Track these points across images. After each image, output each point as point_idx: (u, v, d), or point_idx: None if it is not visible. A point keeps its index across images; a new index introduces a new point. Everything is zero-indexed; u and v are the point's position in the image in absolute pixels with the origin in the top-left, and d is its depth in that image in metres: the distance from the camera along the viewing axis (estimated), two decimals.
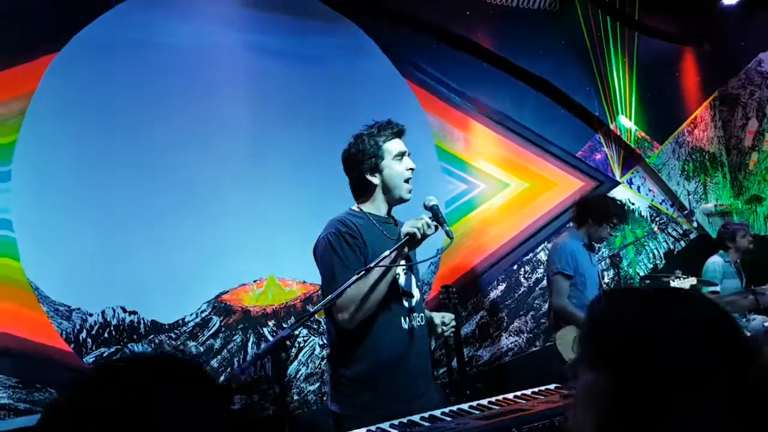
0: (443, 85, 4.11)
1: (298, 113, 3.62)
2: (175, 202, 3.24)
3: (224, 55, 3.48)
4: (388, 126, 2.12)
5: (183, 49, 3.35)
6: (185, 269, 3.21)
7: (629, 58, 4.92)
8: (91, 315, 3.02)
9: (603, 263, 4.65)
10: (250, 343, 3.35)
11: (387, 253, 1.84)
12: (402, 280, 2.06)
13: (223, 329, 3.30)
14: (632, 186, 4.97)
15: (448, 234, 1.91)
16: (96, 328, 3.03)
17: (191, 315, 3.23)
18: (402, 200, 2.10)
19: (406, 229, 1.90)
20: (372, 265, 1.83)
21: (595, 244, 3.52)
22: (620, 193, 4.88)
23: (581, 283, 3.32)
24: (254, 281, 3.41)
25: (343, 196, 3.53)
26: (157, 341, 3.14)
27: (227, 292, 3.33)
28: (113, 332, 3.06)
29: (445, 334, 2.19)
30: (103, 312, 3.05)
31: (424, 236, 1.90)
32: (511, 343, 4.25)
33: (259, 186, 3.46)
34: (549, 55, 4.49)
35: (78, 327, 2.98)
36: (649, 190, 5.08)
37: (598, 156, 4.78)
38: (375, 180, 2.09)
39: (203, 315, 3.26)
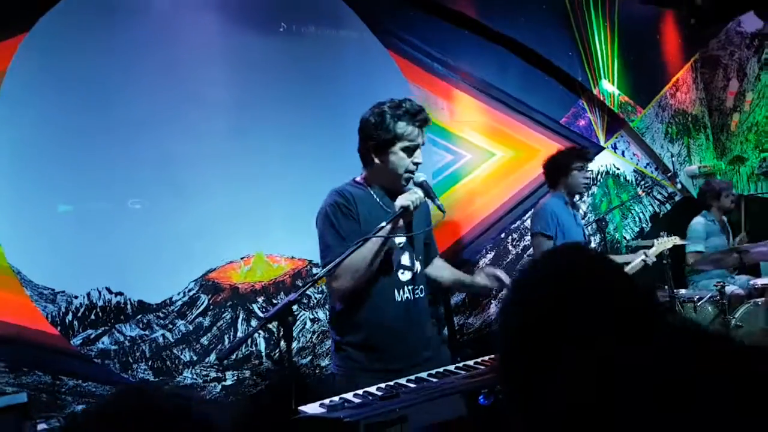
0: (426, 55, 4.07)
1: (279, 86, 3.57)
2: (158, 180, 3.19)
3: (201, 27, 3.40)
4: (414, 113, 2.06)
5: (158, 21, 3.26)
6: (171, 248, 3.18)
7: (610, 22, 4.89)
8: (76, 297, 2.98)
9: (589, 228, 4.68)
10: (239, 321, 3.34)
11: (383, 224, 1.91)
12: (398, 254, 2.10)
13: (211, 307, 3.28)
14: (617, 151, 4.99)
15: (440, 208, 2.03)
16: (82, 310, 3.01)
17: (179, 294, 3.21)
18: (398, 191, 2.08)
19: (400, 201, 1.97)
20: (370, 236, 1.90)
21: (578, 204, 3.64)
22: (605, 158, 4.90)
23: (562, 238, 3.34)
24: (242, 258, 3.39)
25: (330, 169, 3.53)
26: (145, 321, 3.13)
27: (214, 269, 3.31)
28: (100, 314, 3.03)
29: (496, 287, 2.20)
30: (88, 294, 3.02)
31: (416, 209, 1.98)
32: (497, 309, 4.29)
33: (243, 161, 3.41)
34: (531, 21, 4.45)
35: (63, 310, 2.95)
36: (634, 155, 5.10)
37: (582, 122, 4.78)
38: (377, 160, 2.10)
39: (191, 294, 3.24)
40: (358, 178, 2.19)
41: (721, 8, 5.06)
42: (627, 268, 3.48)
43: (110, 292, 3.07)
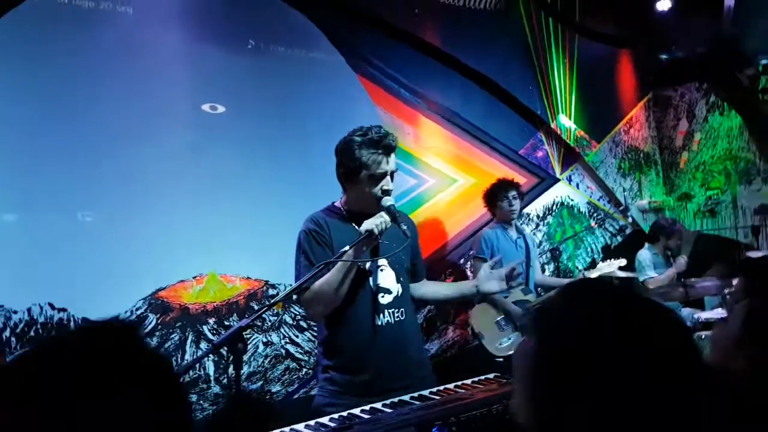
0: (393, 80, 4.12)
1: (243, 104, 3.52)
2: (109, 193, 3.08)
3: (164, 42, 3.33)
4: (377, 140, 2.05)
5: (124, 31, 3.18)
6: (119, 264, 3.06)
7: (569, 59, 5.07)
8: (15, 312, 2.83)
9: (543, 257, 4.78)
10: (188, 342, 3.23)
11: (347, 248, 1.90)
12: (378, 277, 2.11)
13: (159, 327, 3.17)
14: (571, 183, 5.13)
15: (404, 233, 2.00)
16: (21, 326, 2.86)
17: (126, 312, 3.09)
18: (371, 214, 2.06)
19: (364, 226, 1.96)
20: (331, 260, 1.91)
21: (522, 228, 3.97)
22: (560, 189, 5.03)
23: (499, 264, 3.50)
24: (194, 277, 3.30)
25: (289, 191, 3.50)
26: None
27: (165, 288, 3.21)
28: (40, 330, 2.88)
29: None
30: (29, 309, 2.88)
31: (381, 233, 1.97)
32: (457, 335, 4.30)
33: (200, 178, 3.34)
34: (494, 54, 4.57)
35: (1, 325, 2.80)
36: (588, 187, 5.26)
37: (540, 153, 4.91)
38: (347, 188, 2.13)
39: (138, 312, 3.13)
40: (336, 203, 2.20)
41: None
42: None
43: (53, 308, 2.93)
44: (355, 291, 2.05)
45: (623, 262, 4.05)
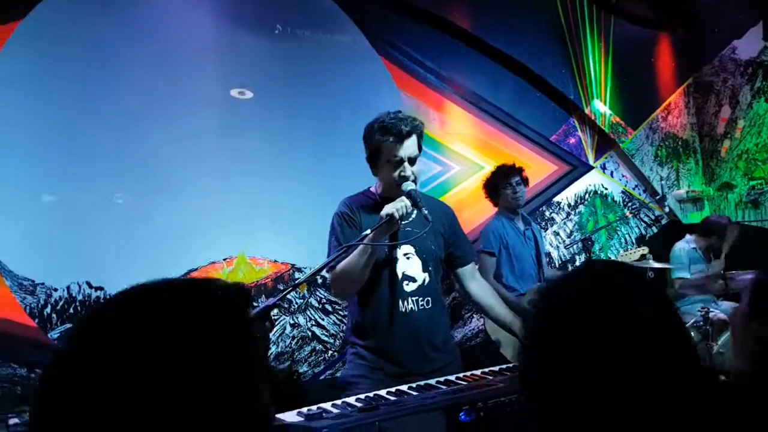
0: (419, 64, 4.09)
1: (270, 87, 3.58)
2: (144, 175, 3.20)
3: (194, 24, 3.41)
4: (389, 127, 2.06)
5: (152, 16, 3.28)
6: (154, 244, 3.18)
7: (605, 42, 4.93)
8: (55, 290, 2.98)
9: (575, 247, 4.70)
10: None
11: (368, 232, 1.95)
12: (402, 265, 2.14)
13: None
14: (605, 171, 5.01)
15: (426, 218, 2.01)
16: (61, 303, 3.00)
17: None
18: (403, 194, 2.07)
19: (385, 210, 1.98)
20: (352, 242, 1.97)
21: (528, 218, 3.65)
22: (593, 177, 4.92)
23: (508, 258, 3.44)
24: (224, 259, 3.39)
25: (318, 173, 3.55)
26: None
27: (196, 269, 3.31)
28: (79, 308, 3.02)
29: None
30: (68, 287, 3.02)
31: (403, 218, 1.99)
32: (482, 324, 4.29)
33: (231, 161, 3.42)
34: (526, 37, 4.48)
35: (42, 302, 2.94)
36: (623, 176, 5.13)
37: (572, 140, 4.81)
38: (374, 172, 2.18)
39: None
40: (372, 187, 2.25)
41: None
42: None
43: (90, 286, 3.06)
44: (380, 277, 2.11)
45: (645, 250, 3.88)
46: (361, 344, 2.16)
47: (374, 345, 2.13)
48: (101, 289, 3.07)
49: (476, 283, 2.33)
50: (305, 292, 3.60)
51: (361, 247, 1.98)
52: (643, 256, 3.91)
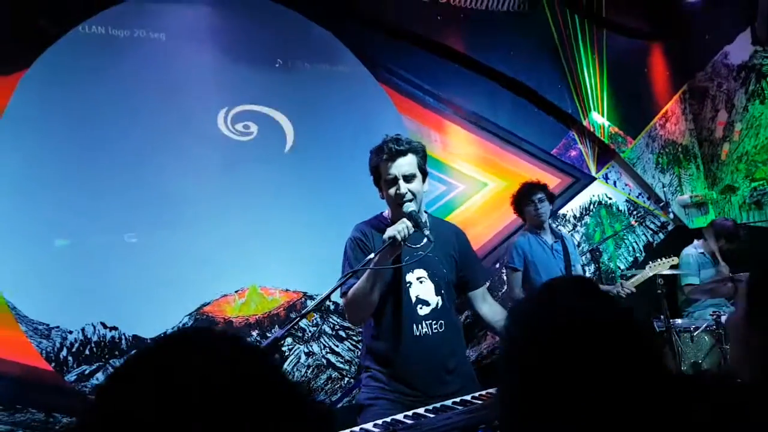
0: (418, 88, 4.16)
1: (273, 121, 3.63)
2: (153, 214, 3.23)
3: (198, 62, 3.48)
4: (380, 147, 2.13)
5: (155, 57, 3.35)
6: (166, 281, 3.19)
7: (599, 55, 5.00)
8: (70, 332, 2.98)
9: (583, 258, 4.71)
10: None
11: (371, 256, 1.95)
12: (416, 289, 2.15)
13: None
14: (608, 181, 5.04)
15: (428, 238, 2.03)
16: (76, 345, 3.00)
17: (173, 328, 3.21)
18: (405, 215, 2.09)
19: (387, 233, 1.99)
20: (357, 268, 1.98)
21: (559, 232, 3.71)
22: (597, 188, 4.95)
23: (535, 272, 3.51)
24: (236, 291, 3.40)
25: (324, 201, 3.58)
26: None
27: (209, 303, 3.32)
28: (94, 349, 3.02)
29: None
30: (83, 329, 3.02)
31: (405, 239, 1.99)
32: (497, 342, 4.27)
33: (236, 195, 3.46)
34: (520, 55, 4.55)
35: (58, 345, 2.95)
36: (626, 185, 5.16)
37: (574, 153, 4.85)
38: (380, 194, 2.21)
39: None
40: (384, 212, 2.27)
41: None
42: None
43: (105, 326, 3.07)
44: (394, 301, 2.12)
45: (675, 260, 3.89)
46: (375, 368, 2.16)
47: (388, 369, 2.13)
48: (116, 329, 3.08)
49: (488, 306, 2.31)
50: (318, 319, 3.61)
51: (368, 271, 1.99)
52: (673, 267, 3.91)
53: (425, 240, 2.09)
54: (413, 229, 2.01)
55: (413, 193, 2.10)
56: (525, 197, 3.59)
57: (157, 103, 3.31)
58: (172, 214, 3.27)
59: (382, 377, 2.13)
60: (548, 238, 3.62)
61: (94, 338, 3.04)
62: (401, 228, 1.97)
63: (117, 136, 3.20)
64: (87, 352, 3.02)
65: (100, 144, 3.15)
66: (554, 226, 3.79)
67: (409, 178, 2.11)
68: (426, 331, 2.13)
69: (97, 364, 3.02)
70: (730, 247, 4.35)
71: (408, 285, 2.14)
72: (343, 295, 2.08)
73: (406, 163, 2.11)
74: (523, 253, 3.53)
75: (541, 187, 3.61)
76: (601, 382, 0.79)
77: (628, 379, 0.79)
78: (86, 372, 2.99)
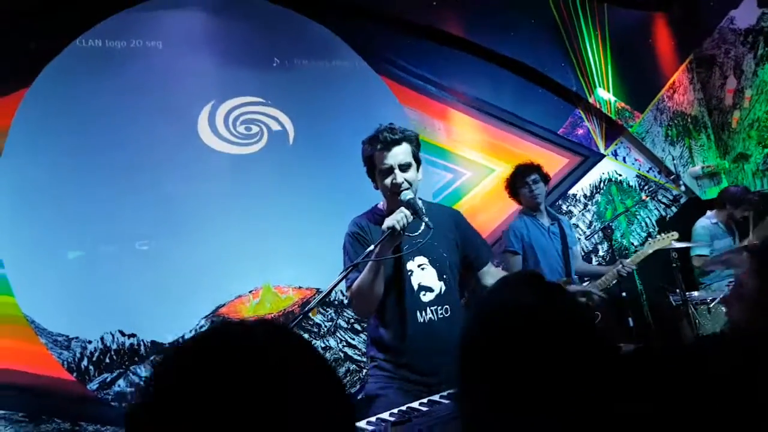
0: (418, 78, 4.12)
1: (276, 120, 3.64)
2: (163, 220, 3.26)
3: (195, 69, 3.48)
4: (374, 138, 2.11)
5: (153, 63, 3.36)
6: (180, 286, 3.23)
7: (601, 29, 4.92)
8: (90, 342, 3.04)
9: (596, 236, 4.67)
10: None
11: (371, 247, 1.95)
12: (418, 276, 2.14)
13: None
14: (617, 157, 4.98)
15: (427, 225, 2.01)
16: (96, 354, 3.05)
17: (190, 332, 3.25)
18: (401, 204, 2.08)
19: (386, 223, 1.98)
20: (358, 260, 1.97)
21: (555, 214, 3.65)
22: (606, 165, 4.89)
23: (532, 255, 3.46)
24: (250, 291, 3.43)
25: (329, 197, 3.58)
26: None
27: (224, 305, 3.35)
28: (114, 357, 3.08)
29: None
30: (102, 338, 3.07)
31: (405, 229, 1.98)
32: None
33: (243, 196, 3.48)
34: (520, 35, 4.49)
35: (78, 355, 3.00)
36: (635, 160, 5.09)
37: (581, 131, 4.79)
38: (374, 185, 2.20)
39: (202, 331, 3.27)
40: (379, 204, 2.25)
41: None
42: (598, 282, 3.47)
43: (123, 334, 3.12)
44: (397, 290, 2.11)
45: (675, 235, 3.82)
46: (381, 357, 2.16)
47: (395, 358, 2.13)
48: (134, 336, 3.13)
49: (493, 279, 2.29)
50: (333, 314, 3.63)
51: (369, 263, 1.99)
52: (677, 240, 3.85)
53: (423, 227, 2.08)
54: (412, 218, 2.00)
55: (409, 182, 2.09)
56: (519, 179, 3.52)
57: (158, 109, 3.33)
58: (181, 219, 3.30)
59: (388, 366, 2.13)
60: (545, 220, 3.55)
61: (114, 346, 3.09)
62: (400, 217, 1.96)
63: (122, 144, 3.23)
64: (107, 360, 3.07)
65: (107, 153, 3.19)
66: (550, 208, 3.72)
67: (404, 167, 2.09)
68: (431, 317, 2.13)
69: (118, 371, 3.07)
70: (740, 214, 4.27)
71: (410, 273, 2.13)
72: (348, 289, 2.09)
73: (401, 152, 2.09)
74: (521, 235, 3.47)
75: (535, 168, 3.54)
76: (545, 374, 0.84)
77: (571, 369, 0.84)
78: (108, 380, 3.04)
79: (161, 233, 3.25)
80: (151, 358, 3.13)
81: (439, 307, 2.15)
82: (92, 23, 3.23)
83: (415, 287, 2.14)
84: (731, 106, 5.37)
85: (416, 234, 2.12)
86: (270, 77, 3.66)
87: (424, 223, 2.03)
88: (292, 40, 3.75)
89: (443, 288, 2.17)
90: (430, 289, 2.16)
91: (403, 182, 2.08)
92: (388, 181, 2.09)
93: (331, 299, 3.56)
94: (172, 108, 3.36)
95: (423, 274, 2.16)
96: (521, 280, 0.99)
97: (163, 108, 3.34)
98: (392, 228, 1.95)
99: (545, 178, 3.57)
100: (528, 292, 0.93)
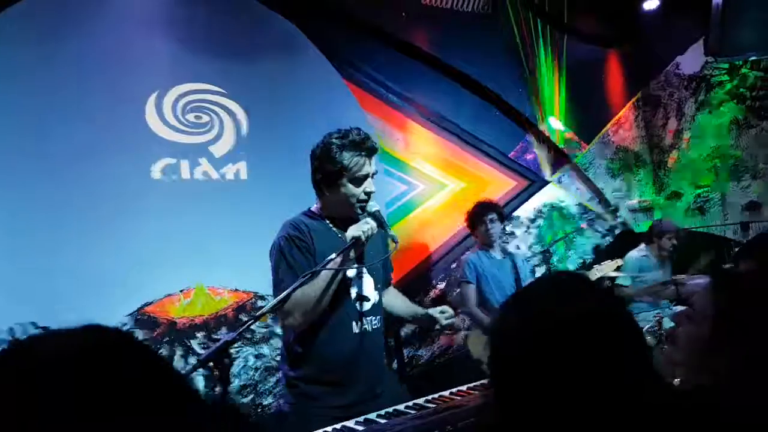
0: (381, 85, 4.10)
1: (232, 114, 3.48)
2: (90, 209, 3.03)
3: (149, 52, 3.28)
4: (359, 142, 1.97)
5: (104, 48, 3.14)
6: (104, 280, 3.01)
7: (558, 60, 5.04)
8: None
9: (535, 259, 4.76)
10: (176, 357, 3.17)
11: (333, 256, 1.85)
12: (358, 284, 2.05)
13: (147, 343, 3.09)
14: (561, 184, 5.11)
15: (393, 239, 1.98)
16: (1, 347, 2.77)
17: None
18: (351, 219, 2.00)
19: (351, 232, 1.91)
20: (317, 268, 1.86)
21: (503, 247, 3.89)
22: (550, 192, 5.01)
23: (486, 285, 3.70)
24: (181, 291, 3.24)
25: (281, 198, 3.43)
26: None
27: (151, 303, 3.14)
28: None
29: (444, 323, 2.16)
30: (10, 329, 2.81)
31: (368, 239, 1.92)
32: (448, 342, 4.26)
33: (181, 188, 3.28)
34: (483, 56, 4.54)
35: None
36: (577, 189, 5.24)
37: (530, 156, 4.89)
38: (327, 192, 2.03)
39: (125, 329, 3.05)
40: (313, 208, 2.11)
41: None
42: None
43: (36, 327, 2.86)
44: (336, 299, 1.97)
45: (620, 262, 4.02)
46: (304, 378, 2.00)
47: (320, 374, 1.99)
48: (47, 329, 2.86)
49: (387, 295, 2.26)
50: (270, 320, 3.48)
51: (323, 273, 1.87)
52: (618, 268, 4.04)
53: (376, 238, 2.01)
54: (377, 229, 1.93)
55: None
56: (478, 217, 3.75)
57: (105, 91, 3.11)
58: (113, 209, 3.07)
59: (311, 390, 1.98)
60: (497, 254, 3.79)
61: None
62: (366, 228, 1.90)
63: (58, 128, 2.98)
64: None
65: (40, 137, 2.95)
66: (504, 245, 4.00)
67: (374, 176, 2.03)
68: (366, 328, 2.05)
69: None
70: (666, 245, 4.45)
71: (348, 281, 2.03)
72: (287, 298, 1.86)
73: (375, 161, 2.03)
74: (475, 267, 3.70)
75: (494, 207, 3.79)
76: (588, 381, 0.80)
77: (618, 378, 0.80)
78: None
79: (89, 222, 3.01)
80: None
81: (374, 318, 2.08)
82: None
83: (353, 296, 2.04)
84: (670, 145, 5.64)
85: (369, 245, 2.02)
86: (230, 67, 3.49)
87: (389, 236, 1.97)
88: (258, 33, 3.61)
89: (377, 298, 2.11)
90: (368, 299, 2.08)
91: (374, 190, 2.01)
92: (359, 189, 1.98)
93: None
94: (117, 91, 3.14)
95: (360, 283, 2.07)
96: (568, 282, 0.93)
97: (108, 91, 3.12)
98: (357, 238, 1.88)
99: (502, 217, 3.83)
100: (583, 296, 0.88)
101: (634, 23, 5.36)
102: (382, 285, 2.14)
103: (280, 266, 1.97)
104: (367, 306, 2.06)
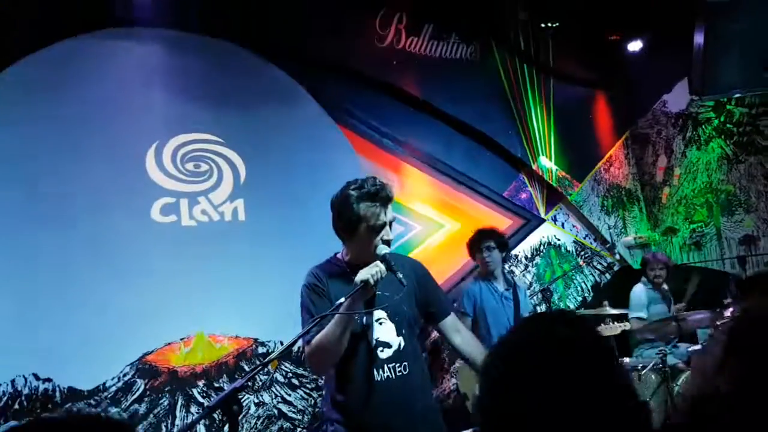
0: (374, 130, 4.20)
1: (230, 162, 3.57)
2: (92, 262, 3.08)
3: (145, 103, 3.39)
4: (374, 193, 2.04)
5: (100, 102, 3.25)
6: (104, 331, 3.03)
7: (546, 102, 5.19)
8: None
9: (535, 297, 4.77)
10: (178, 406, 3.16)
11: (342, 300, 1.88)
12: (376, 331, 2.06)
13: (148, 393, 3.10)
14: (557, 222, 5.17)
15: (401, 281, 1.97)
16: (5, 399, 2.79)
17: (113, 379, 3.03)
18: (376, 258, 2.03)
19: (360, 276, 1.93)
20: (326, 313, 1.88)
21: (510, 278, 3.79)
22: (546, 230, 5.07)
23: (483, 318, 3.62)
24: (181, 339, 3.25)
25: (278, 243, 3.50)
26: (75, 409, 2.91)
27: (152, 352, 3.16)
28: (24, 402, 2.81)
29: None
30: (12, 381, 2.82)
31: (377, 283, 1.94)
32: (453, 384, 4.23)
33: (181, 237, 3.34)
34: (473, 100, 4.67)
35: None
36: (573, 226, 5.30)
37: (524, 195, 4.97)
38: (347, 240, 2.11)
39: (126, 378, 3.06)
40: (339, 254, 2.18)
41: None
42: None
43: (37, 378, 2.87)
44: (354, 346, 2.01)
45: (627, 326, 3.95)
46: (338, 420, 2.05)
47: (352, 420, 2.03)
48: (49, 380, 2.88)
49: (460, 336, 2.23)
50: (273, 368, 3.48)
51: (336, 317, 1.91)
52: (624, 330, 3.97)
53: (394, 282, 2.01)
54: (386, 272, 1.96)
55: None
56: (476, 245, 3.70)
57: (105, 143, 3.20)
58: (114, 260, 3.12)
59: (343, 430, 2.03)
60: (499, 285, 3.69)
61: (25, 391, 2.83)
62: (375, 272, 1.92)
63: (57, 174, 3.06)
64: (17, 405, 2.81)
65: (37, 182, 3.02)
66: (507, 272, 3.83)
67: (392, 224, 2.09)
68: (389, 375, 2.04)
69: (28, 419, 2.79)
70: (653, 274, 4.47)
71: (368, 327, 2.06)
72: (308, 344, 1.97)
73: (391, 209, 2.09)
74: (473, 299, 3.63)
75: (491, 235, 3.68)
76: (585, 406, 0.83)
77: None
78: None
79: (89, 272, 3.05)
80: (66, 406, 2.88)
81: (397, 364, 2.07)
82: (40, 45, 3.10)
83: (373, 343, 2.06)
84: (662, 182, 5.73)
85: (378, 286, 2.04)
86: (222, 117, 3.60)
87: (398, 279, 1.96)
88: (254, 83, 3.73)
89: (402, 343, 2.10)
90: (389, 345, 2.08)
91: (392, 237, 2.07)
92: (378, 238, 2.03)
93: (268, 351, 3.41)
94: (121, 143, 3.24)
95: (381, 329, 2.08)
96: (550, 316, 0.98)
97: (112, 142, 3.22)
98: (366, 281, 1.90)
99: (502, 246, 3.69)
100: (561, 325, 0.92)
101: (619, 64, 5.54)
102: (408, 330, 2.13)
103: (303, 312, 2.07)
104: (387, 353, 2.06)
